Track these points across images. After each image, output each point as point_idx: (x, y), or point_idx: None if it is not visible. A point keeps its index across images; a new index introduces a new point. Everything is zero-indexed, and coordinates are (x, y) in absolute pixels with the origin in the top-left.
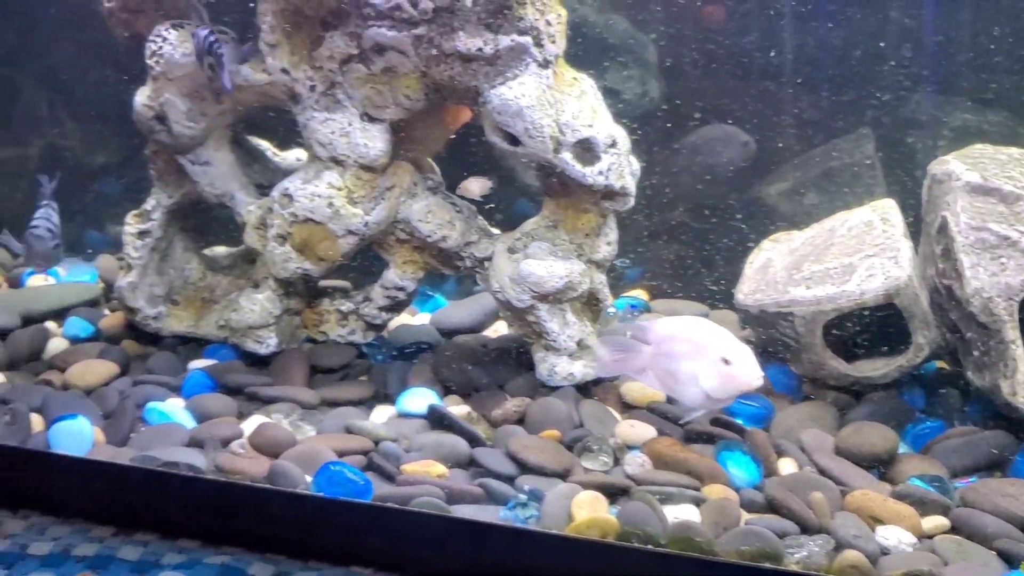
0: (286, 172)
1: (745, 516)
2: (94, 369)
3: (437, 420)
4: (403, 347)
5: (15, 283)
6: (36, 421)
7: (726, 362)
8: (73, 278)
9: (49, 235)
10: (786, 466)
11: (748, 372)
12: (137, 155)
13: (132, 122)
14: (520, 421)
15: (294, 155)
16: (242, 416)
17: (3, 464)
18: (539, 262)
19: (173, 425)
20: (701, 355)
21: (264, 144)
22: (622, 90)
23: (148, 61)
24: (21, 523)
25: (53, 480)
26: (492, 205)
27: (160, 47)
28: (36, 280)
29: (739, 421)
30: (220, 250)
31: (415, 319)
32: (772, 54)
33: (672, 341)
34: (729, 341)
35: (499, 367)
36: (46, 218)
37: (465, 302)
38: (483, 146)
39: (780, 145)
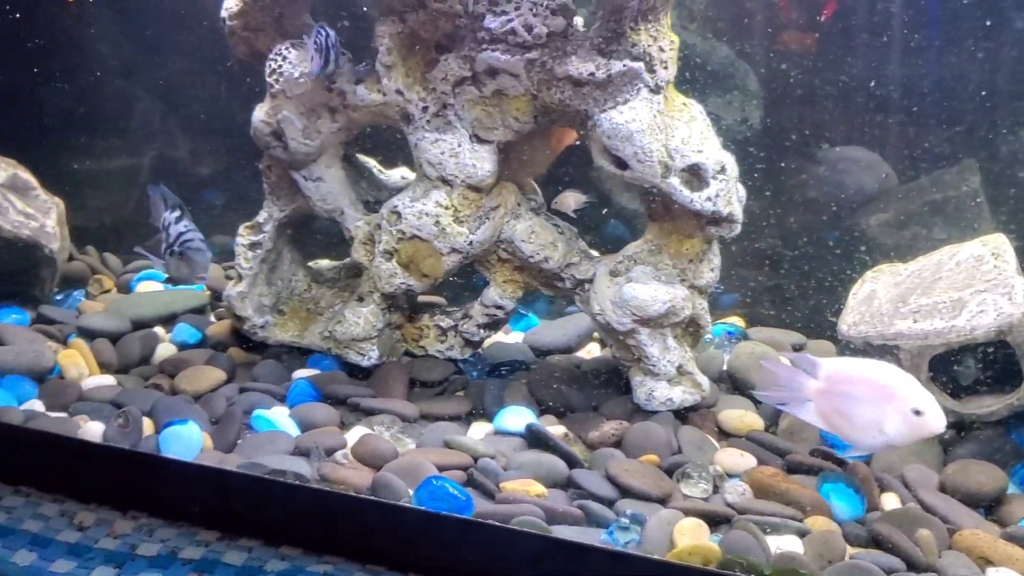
0: (391, 189)
1: (849, 550)
2: (202, 375)
3: (535, 439)
4: (498, 364)
5: (124, 289)
6: (147, 424)
7: (918, 412)
8: (181, 285)
9: (205, 245)
10: (889, 501)
11: (938, 422)
12: (239, 167)
13: (236, 135)
14: (617, 444)
15: (399, 173)
16: (344, 426)
17: (115, 466)
18: (642, 286)
19: (278, 433)
20: (888, 402)
21: (371, 162)
22: (722, 116)
23: (268, 79)
24: (130, 524)
25: (162, 483)
26: (602, 209)
27: (280, 65)
28: (144, 286)
29: (839, 453)
30: (324, 263)
31: (508, 337)
32: (874, 82)
33: (851, 383)
34: (919, 390)
35: (593, 389)
36: (194, 229)
37: (559, 322)
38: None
39: (882, 175)
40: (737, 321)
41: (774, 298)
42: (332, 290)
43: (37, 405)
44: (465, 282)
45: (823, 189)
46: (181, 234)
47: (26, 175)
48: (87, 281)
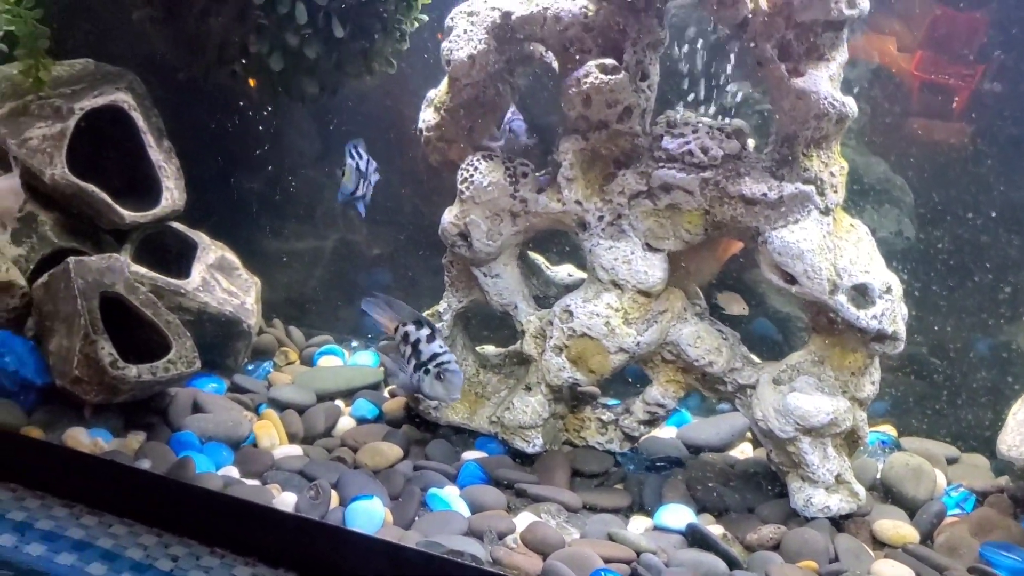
0: (558, 286)
1: None
2: (382, 451)
3: (696, 538)
4: (653, 459)
5: (307, 361)
6: (332, 496)
7: None
8: (356, 362)
9: (457, 365)
10: None
11: None
12: (404, 250)
13: (404, 224)
14: (775, 547)
15: (565, 270)
16: (511, 510)
17: (305, 535)
18: (806, 396)
19: (452, 513)
20: None
21: (539, 259)
22: (878, 228)
23: (459, 186)
24: None
25: (346, 554)
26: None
27: (471, 175)
28: (325, 360)
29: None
30: (490, 349)
31: (662, 432)
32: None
33: None
34: None
35: (748, 489)
36: (447, 350)
37: (712, 420)
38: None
39: None
40: (889, 430)
41: (926, 408)
42: (498, 376)
43: (233, 471)
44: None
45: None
46: (437, 355)
47: (231, 256)
48: (274, 352)
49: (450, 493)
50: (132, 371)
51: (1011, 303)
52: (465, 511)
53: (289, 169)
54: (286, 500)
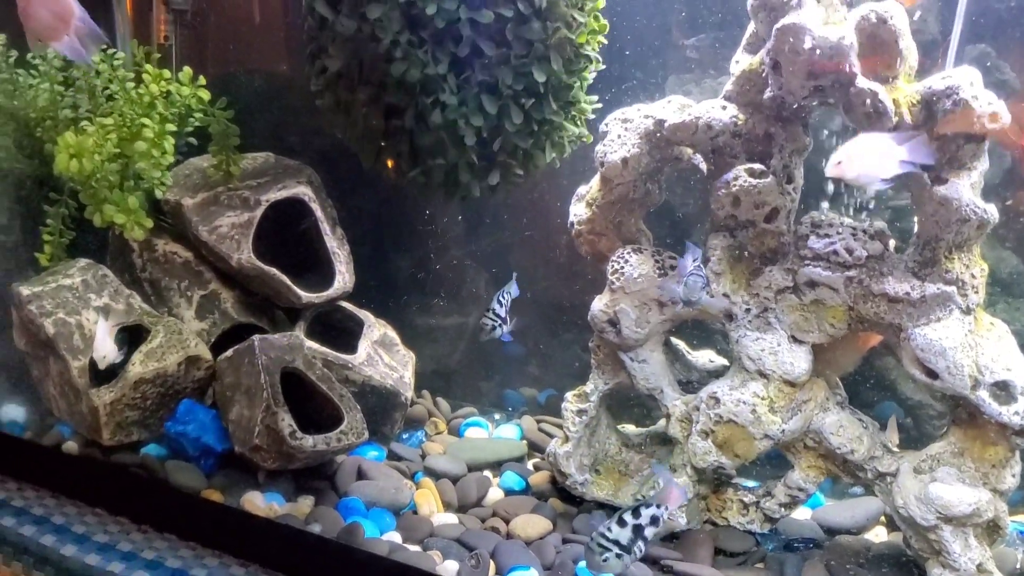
0: (700, 371)
1: None
2: (533, 523)
3: None
4: (791, 540)
5: (454, 431)
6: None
7: None
8: (500, 434)
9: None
10: None
11: None
12: (534, 326)
13: (538, 302)
14: None
15: (706, 356)
16: None
17: None
18: (947, 487)
19: None
20: None
21: (681, 344)
22: (1010, 321)
23: (610, 276)
24: None
25: None
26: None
27: (622, 267)
28: (472, 432)
29: None
30: (631, 428)
31: (797, 512)
32: None
33: None
34: None
35: (886, 573)
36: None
37: (846, 503)
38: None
39: None
40: None
41: None
42: (640, 455)
43: (396, 537)
44: None
45: None
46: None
47: (392, 333)
48: (424, 422)
49: None
50: (308, 441)
51: None
52: None
53: (437, 250)
54: (449, 568)
